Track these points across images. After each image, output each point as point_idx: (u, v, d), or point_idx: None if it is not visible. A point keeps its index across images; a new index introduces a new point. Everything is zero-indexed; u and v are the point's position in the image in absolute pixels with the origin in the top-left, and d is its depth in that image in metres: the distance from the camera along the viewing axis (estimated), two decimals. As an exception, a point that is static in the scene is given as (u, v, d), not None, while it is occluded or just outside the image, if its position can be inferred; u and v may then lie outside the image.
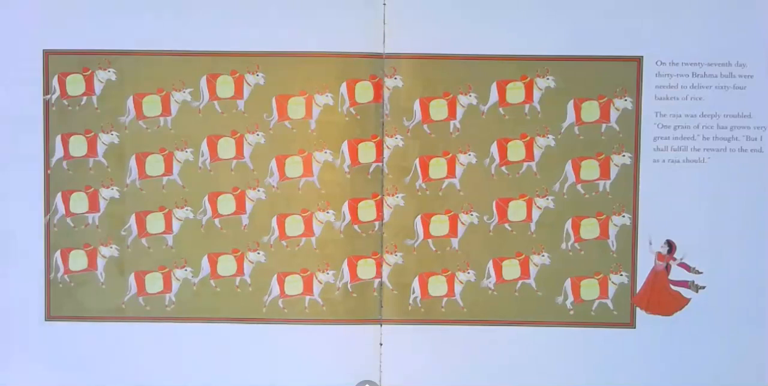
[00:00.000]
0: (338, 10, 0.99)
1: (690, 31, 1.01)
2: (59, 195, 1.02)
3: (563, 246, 1.02)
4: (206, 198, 1.02)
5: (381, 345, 1.02)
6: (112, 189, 1.02)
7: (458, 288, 1.02)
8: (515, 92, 1.01)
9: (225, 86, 1.02)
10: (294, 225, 1.02)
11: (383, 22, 0.99)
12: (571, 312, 1.03)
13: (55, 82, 1.02)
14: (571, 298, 1.03)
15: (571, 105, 1.01)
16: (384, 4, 0.99)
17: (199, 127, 1.02)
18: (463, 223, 1.02)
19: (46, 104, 1.02)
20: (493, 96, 1.01)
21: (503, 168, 1.02)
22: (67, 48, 1.01)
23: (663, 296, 1.02)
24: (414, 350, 1.02)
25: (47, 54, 1.01)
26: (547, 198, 1.02)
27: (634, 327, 1.03)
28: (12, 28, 1.01)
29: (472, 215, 1.02)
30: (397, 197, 1.02)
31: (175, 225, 1.03)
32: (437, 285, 1.03)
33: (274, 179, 1.02)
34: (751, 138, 1.01)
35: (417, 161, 1.02)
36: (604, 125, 1.02)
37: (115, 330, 1.03)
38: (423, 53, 1.00)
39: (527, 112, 1.02)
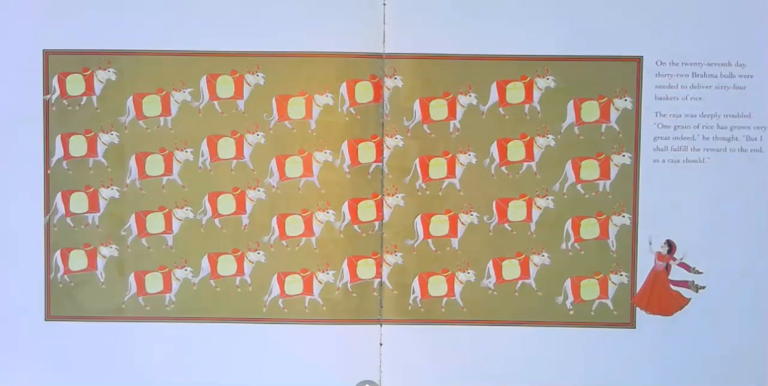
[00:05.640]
0: (338, 10, 0.99)
1: (690, 31, 1.00)
2: (59, 195, 1.02)
3: (563, 246, 1.02)
4: (206, 198, 1.02)
5: (381, 345, 1.02)
6: (112, 189, 1.02)
7: (458, 288, 1.02)
8: (515, 92, 1.01)
9: (225, 86, 1.02)
10: (294, 225, 1.02)
11: (383, 22, 0.99)
12: (571, 312, 1.03)
13: (55, 82, 1.01)
14: (571, 298, 1.03)
15: (571, 105, 1.01)
16: (384, 4, 0.99)
17: (199, 127, 1.02)
18: (463, 223, 1.02)
19: (46, 104, 1.02)
20: (493, 96, 1.01)
21: (503, 168, 1.02)
22: (67, 48, 1.01)
23: (663, 296, 1.02)
24: (414, 350, 1.02)
25: (47, 54, 1.01)
26: (547, 199, 1.02)
27: (634, 327, 1.03)
28: (12, 28, 1.01)
29: (472, 215, 1.02)
30: (397, 197, 1.02)
31: (175, 225, 1.03)
32: (437, 285, 1.03)
33: (274, 179, 1.02)
34: (751, 138, 1.01)
35: (417, 161, 1.02)
36: (604, 125, 1.02)
37: (115, 330, 1.03)
38: (423, 53, 1.00)
39: (527, 112, 1.02)
